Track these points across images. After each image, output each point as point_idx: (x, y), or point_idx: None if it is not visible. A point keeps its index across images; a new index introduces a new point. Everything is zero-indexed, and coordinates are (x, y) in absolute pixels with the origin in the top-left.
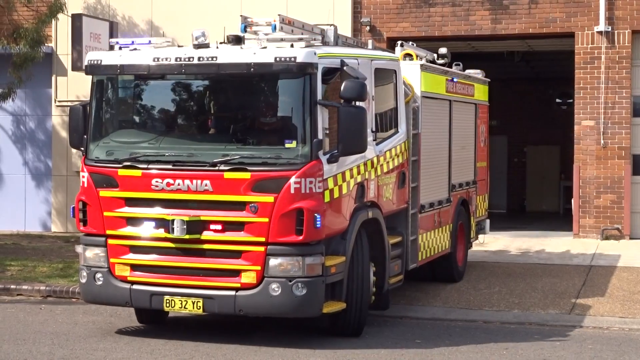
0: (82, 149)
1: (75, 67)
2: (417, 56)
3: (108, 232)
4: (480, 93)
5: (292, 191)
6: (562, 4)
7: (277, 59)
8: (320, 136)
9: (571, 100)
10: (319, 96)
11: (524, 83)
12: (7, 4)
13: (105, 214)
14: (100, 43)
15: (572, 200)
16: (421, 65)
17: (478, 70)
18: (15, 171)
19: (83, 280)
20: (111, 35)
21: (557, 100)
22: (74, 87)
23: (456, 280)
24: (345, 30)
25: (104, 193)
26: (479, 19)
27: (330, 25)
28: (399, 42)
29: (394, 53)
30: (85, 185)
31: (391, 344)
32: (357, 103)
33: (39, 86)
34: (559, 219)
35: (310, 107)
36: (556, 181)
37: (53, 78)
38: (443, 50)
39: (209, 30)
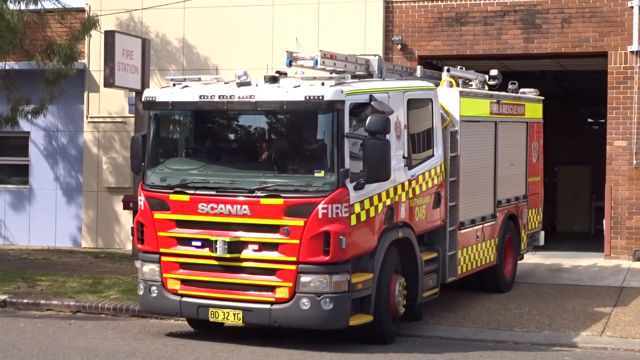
0: (141, 174)
1: (108, 83)
2: (465, 80)
3: (161, 250)
4: (533, 111)
5: (320, 216)
6: (595, 24)
7: (307, 97)
8: (347, 166)
9: (603, 120)
10: (347, 129)
11: (556, 102)
12: (41, 20)
13: (159, 234)
14: (132, 59)
15: (604, 221)
16: (460, 92)
17: (532, 89)
18: (47, 187)
19: (140, 293)
20: (143, 52)
21: (589, 120)
22: (105, 104)
23: (502, 291)
24: (377, 48)
25: (157, 215)
26: (511, 37)
27: (375, 55)
28: (446, 68)
29: (433, 78)
30: (142, 208)
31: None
32: (383, 135)
33: (71, 102)
34: (590, 239)
35: (338, 139)
36: (587, 201)
37: (85, 94)
38: (494, 72)
39: (243, 46)
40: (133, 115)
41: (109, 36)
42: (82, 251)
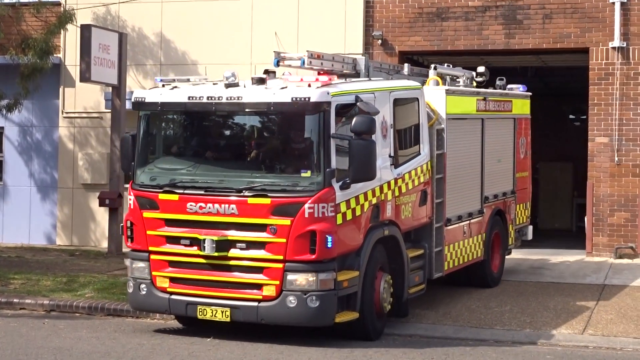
0: (131, 173)
1: (84, 78)
2: (452, 77)
3: (150, 248)
4: (520, 107)
5: (307, 215)
6: (577, 19)
7: (294, 99)
8: (333, 166)
9: (585, 117)
10: (333, 130)
11: (537, 99)
12: (16, 14)
13: (148, 232)
14: (109, 54)
15: (586, 218)
16: (446, 90)
17: (519, 85)
18: (21, 183)
19: (130, 290)
20: (120, 47)
21: (571, 116)
22: (81, 99)
23: (490, 286)
24: (357, 44)
25: (147, 214)
26: (492, 33)
27: (363, 54)
28: (432, 66)
29: (421, 75)
30: (132, 207)
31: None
32: (369, 135)
33: (46, 97)
34: (572, 237)
35: (324, 140)
36: (569, 198)
37: (61, 89)
38: (481, 69)
39: (222, 41)
40: (109, 110)
41: (85, 30)
42: (57, 249)
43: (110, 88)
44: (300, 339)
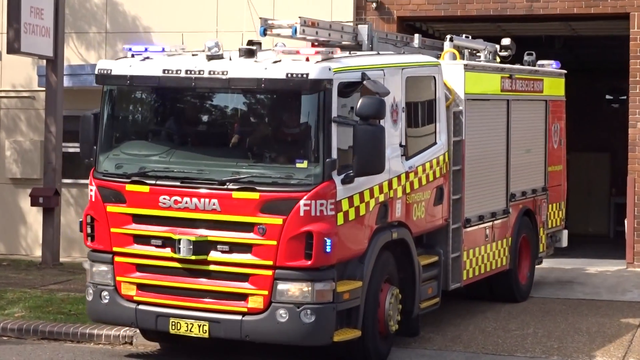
0: (92, 159)
1: (12, 49)
2: (472, 51)
3: (115, 249)
4: (553, 87)
5: (302, 213)
6: None
7: (289, 75)
8: (334, 155)
9: (624, 97)
10: (335, 113)
11: (567, 75)
12: None
13: (113, 230)
14: (42, 19)
15: (626, 221)
16: (465, 65)
17: (552, 61)
18: None
19: (89, 298)
20: (56, 11)
21: (607, 96)
22: (9, 74)
23: (518, 300)
24: (347, 9)
25: (111, 208)
26: None
27: (364, 22)
28: (448, 37)
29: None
30: (93, 199)
31: None
32: (377, 121)
33: None
34: (609, 243)
35: (324, 125)
36: (606, 197)
37: None
38: (506, 41)
39: (182, 5)
40: (43, 88)
41: None
42: None
43: (45, 61)
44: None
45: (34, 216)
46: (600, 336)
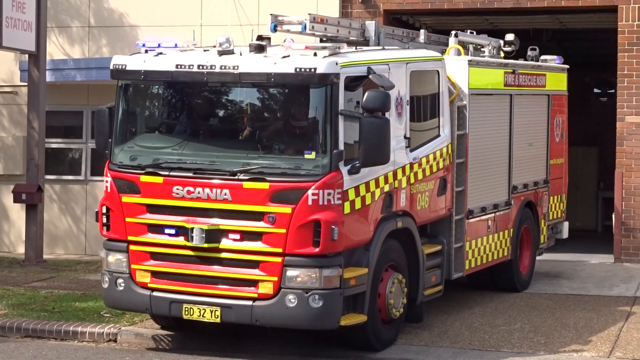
0: (107, 152)
1: None
2: (476, 46)
3: (130, 238)
4: (555, 82)
5: (310, 202)
6: None
7: (298, 69)
8: (341, 147)
9: (613, 91)
10: (341, 106)
11: None
12: None
13: (128, 219)
14: (24, 13)
15: (613, 215)
16: (469, 61)
17: (554, 57)
18: None
19: (105, 286)
20: (38, 5)
21: (596, 90)
22: None
23: (519, 290)
24: (333, 2)
25: (126, 199)
26: None
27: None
28: (453, 32)
29: (439, 43)
30: (109, 190)
31: None
32: (382, 113)
33: None
34: (597, 238)
35: (331, 117)
36: (593, 191)
37: None
38: (510, 37)
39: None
40: (25, 83)
41: None
42: None
43: (27, 56)
44: (285, 347)
45: (17, 213)
46: (588, 331)
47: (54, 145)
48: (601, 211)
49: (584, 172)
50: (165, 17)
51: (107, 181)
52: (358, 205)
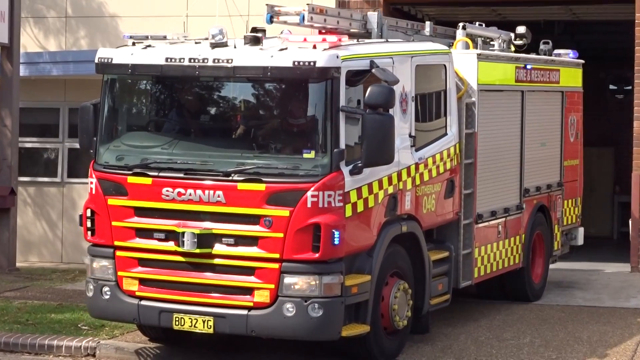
0: (92, 151)
1: None
2: (485, 39)
3: (116, 243)
4: (570, 78)
5: (309, 205)
6: None
7: (296, 63)
8: (342, 146)
9: (630, 87)
10: (342, 102)
11: None
12: None
13: (114, 223)
14: None
15: (630, 222)
16: (478, 55)
17: (568, 51)
18: None
19: (90, 294)
20: (11, 5)
21: (611, 86)
22: None
23: (531, 300)
24: None
25: (112, 201)
26: None
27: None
28: (461, 24)
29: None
30: (94, 192)
31: None
32: (385, 110)
33: None
34: (612, 245)
35: (332, 114)
36: (609, 195)
37: None
38: (521, 30)
39: None
40: None
41: None
42: None
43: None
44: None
45: None
46: (602, 345)
47: (28, 145)
48: (617, 217)
49: (598, 174)
50: (149, 7)
51: (91, 182)
52: (360, 208)
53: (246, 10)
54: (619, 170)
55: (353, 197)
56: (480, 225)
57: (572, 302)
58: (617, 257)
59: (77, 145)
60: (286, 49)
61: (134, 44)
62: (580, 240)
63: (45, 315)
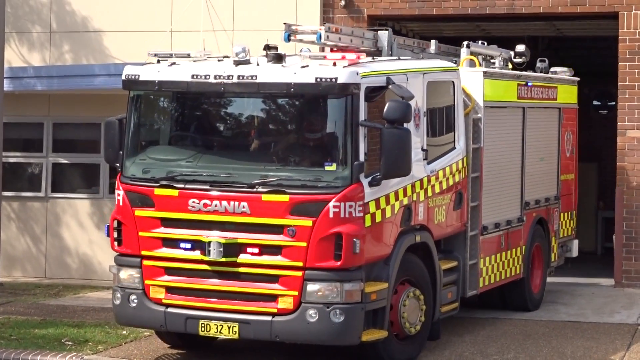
0: (118, 165)
1: None
2: (486, 57)
3: (143, 252)
4: (566, 95)
5: (331, 215)
6: None
7: (318, 79)
8: (362, 158)
9: (613, 103)
10: (362, 117)
11: None
12: None
13: (141, 234)
14: None
15: (614, 237)
16: (484, 72)
17: (565, 68)
18: None
19: (117, 302)
20: None
21: (595, 102)
22: None
23: (530, 310)
24: (314, 7)
25: (139, 212)
26: None
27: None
28: (465, 43)
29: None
30: (121, 203)
31: None
32: (402, 124)
33: None
34: (596, 261)
35: (352, 128)
36: (592, 210)
37: None
38: (521, 48)
39: (135, 5)
40: None
41: None
42: None
43: None
44: None
45: None
46: None
47: (11, 160)
48: (601, 232)
49: (582, 189)
50: (133, 22)
51: (119, 194)
52: (378, 218)
53: (230, 25)
54: (602, 186)
55: (372, 207)
56: (485, 236)
57: (556, 317)
58: (601, 273)
59: (61, 160)
60: (307, 66)
61: (158, 61)
62: (575, 252)
63: (29, 331)
